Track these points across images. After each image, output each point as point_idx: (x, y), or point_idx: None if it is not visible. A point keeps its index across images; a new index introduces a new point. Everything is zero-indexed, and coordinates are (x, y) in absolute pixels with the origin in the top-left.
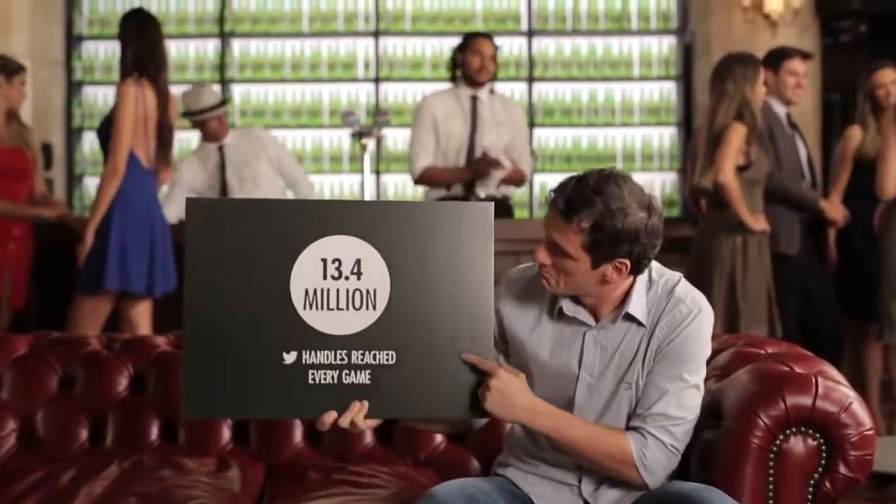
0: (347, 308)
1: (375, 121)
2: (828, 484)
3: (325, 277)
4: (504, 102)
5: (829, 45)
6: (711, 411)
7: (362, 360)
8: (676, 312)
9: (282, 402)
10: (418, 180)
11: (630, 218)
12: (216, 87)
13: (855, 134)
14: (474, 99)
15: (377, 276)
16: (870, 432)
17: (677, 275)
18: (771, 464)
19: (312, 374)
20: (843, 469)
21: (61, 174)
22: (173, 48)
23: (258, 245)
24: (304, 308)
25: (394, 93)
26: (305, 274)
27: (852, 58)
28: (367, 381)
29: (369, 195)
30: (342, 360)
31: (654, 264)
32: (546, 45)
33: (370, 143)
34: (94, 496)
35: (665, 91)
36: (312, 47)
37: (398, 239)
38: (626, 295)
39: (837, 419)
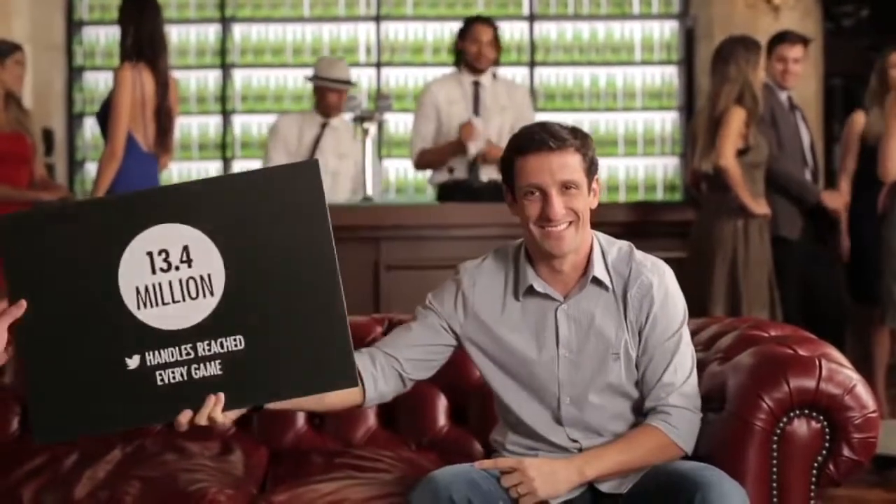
0: (184, 299)
1: (377, 105)
2: (831, 467)
3: (154, 272)
4: (508, 87)
5: (831, 29)
6: (715, 394)
7: (209, 350)
8: (644, 279)
9: (134, 410)
10: (417, 165)
11: (588, 136)
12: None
13: (857, 119)
14: (476, 84)
15: (208, 260)
16: (873, 415)
17: (627, 243)
18: (774, 446)
19: (160, 374)
20: (846, 452)
21: (62, 159)
22: (174, 33)
23: (78, 251)
24: (139, 308)
25: (395, 77)
26: (133, 272)
27: (854, 43)
28: (219, 372)
29: (370, 180)
30: (188, 354)
31: (601, 234)
32: (548, 30)
33: (372, 128)
34: (97, 480)
35: (667, 75)
36: (314, 32)
37: (222, 216)
38: (587, 261)
39: (841, 402)
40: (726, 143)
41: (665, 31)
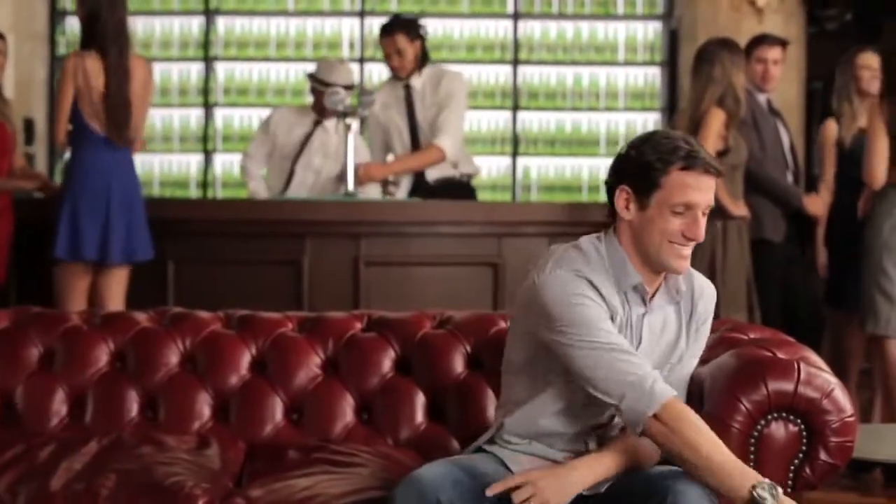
0: None
1: (360, 101)
2: (808, 470)
3: None
4: (435, 80)
5: (814, 33)
6: (694, 395)
7: None
8: (708, 292)
9: None
10: None
11: None
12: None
13: (829, 127)
14: (407, 87)
15: None
16: (851, 419)
17: None
18: (752, 448)
19: None
20: (823, 455)
21: (43, 149)
22: (157, 25)
23: None
24: None
25: (378, 73)
26: None
27: (837, 46)
28: None
29: (352, 176)
30: None
31: None
32: (532, 29)
33: (354, 124)
34: (73, 472)
35: (650, 76)
36: (297, 26)
37: None
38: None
39: (819, 405)
40: (705, 143)
41: (649, 31)
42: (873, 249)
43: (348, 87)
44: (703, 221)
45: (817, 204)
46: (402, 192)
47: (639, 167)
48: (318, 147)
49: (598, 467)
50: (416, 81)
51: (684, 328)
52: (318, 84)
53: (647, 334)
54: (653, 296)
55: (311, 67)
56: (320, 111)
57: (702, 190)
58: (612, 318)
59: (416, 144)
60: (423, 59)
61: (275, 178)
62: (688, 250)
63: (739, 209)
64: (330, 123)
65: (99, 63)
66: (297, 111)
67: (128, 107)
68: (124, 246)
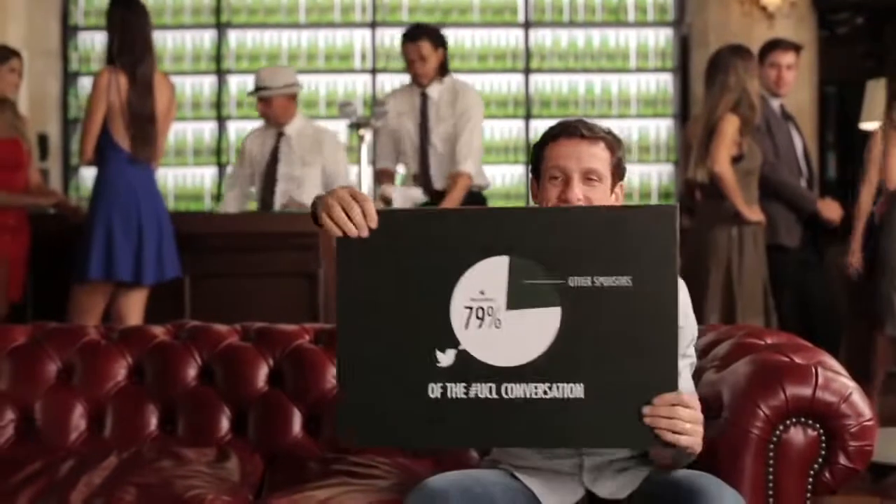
0: (512, 335)
1: (373, 112)
2: (827, 474)
3: (480, 301)
4: (453, 94)
5: (825, 37)
6: (712, 402)
7: (536, 392)
8: None
9: (436, 427)
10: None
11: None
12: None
13: (877, 136)
14: (424, 96)
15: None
16: (869, 423)
17: None
18: (771, 454)
19: (475, 401)
20: (842, 459)
21: (57, 165)
22: (169, 39)
23: (422, 259)
24: (465, 328)
25: (391, 83)
26: (465, 295)
27: (848, 50)
28: (539, 409)
29: (366, 187)
30: (507, 391)
31: None
32: (543, 37)
33: (367, 134)
34: (93, 486)
35: (661, 83)
36: (309, 38)
37: (567, 252)
38: None
39: (837, 409)
40: (721, 150)
41: (660, 38)
42: (890, 253)
43: (290, 87)
44: (584, 188)
45: (832, 209)
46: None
47: (534, 152)
48: (294, 157)
49: None
50: (433, 91)
51: None
52: (260, 91)
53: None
54: None
55: (323, 79)
56: (266, 121)
57: (571, 156)
58: None
59: (423, 152)
60: (443, 69)
61: (262, 193)
62: None
63: (755, 214)
64: (291, 129)
65: (126, 79)
66: (263, 130)
67: (153, 123)
68: (155, 267)
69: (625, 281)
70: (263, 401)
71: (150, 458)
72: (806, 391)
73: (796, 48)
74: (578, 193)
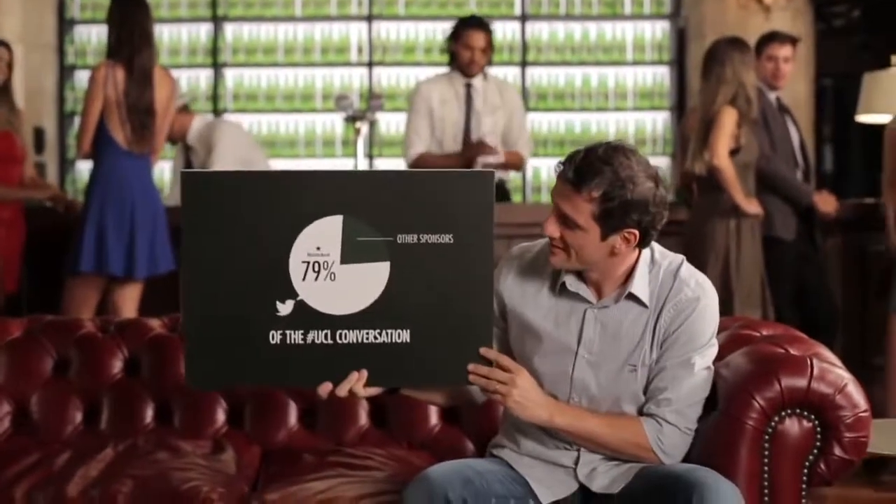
0: (346, 287)
1: (369, 105)
2: (822, 465)
3: (316, 256)
4: (499, 86)
5: (822, 30)
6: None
7: (367, 338)
8: (682, 296)
9: (279, 372)
10: (412, 166)
11: (639, 187)
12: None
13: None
14: (468, 86)
15: (373, 251)
16: (864, 414)
17: (680, 257)
18: (766, 445)
19: (307, 345)
20: (837, 451)
21: (53, 158)
22: (166, 32)
23: (262, 217)
24: (303, 280)
25: (387, 77)
26: (302, 251)
27: (845, 43)
28: (369, 353)
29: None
30: (342, 337)
31: (657, 246)
32: (539, 30)
33: (363, 128)
34: (90, 479)
35: (658, 76)
36: (305, 31)
37: (396, 212)
38: (630, 274)
39: (832, 401)
40: (720, 142)
41: (656, 31)
42: None
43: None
44: (561, 227)
45: (828, 202)
46: None
47: None
48: None
49: (570, 418)
50: (478, 82)
51: (650, 329)
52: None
53: (592, 324)
54: (611, 295)
55: (320, 72)
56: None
57: (557, 193)
58: (525, 305)
59: (466, 142)
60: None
61: None
62: (554, 245)
63: (754, 207)
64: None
65: (125, 72)
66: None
67: (151, 115)
68: (148, 260)
69: (447, 238)
70: (259, 393)
71: (147, 451)
72: (801, 382)
73: (793, 41)
74: (550, 228)
